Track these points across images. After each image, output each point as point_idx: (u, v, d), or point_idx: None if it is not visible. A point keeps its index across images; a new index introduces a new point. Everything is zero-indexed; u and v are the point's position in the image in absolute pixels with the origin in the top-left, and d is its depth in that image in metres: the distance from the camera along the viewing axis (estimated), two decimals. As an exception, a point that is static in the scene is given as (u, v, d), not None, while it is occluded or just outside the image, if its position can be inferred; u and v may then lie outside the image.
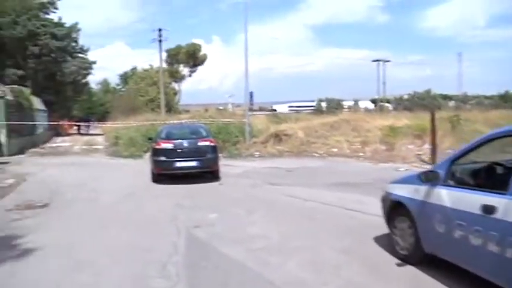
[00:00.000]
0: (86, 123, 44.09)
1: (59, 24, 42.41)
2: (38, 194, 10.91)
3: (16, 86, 28.95)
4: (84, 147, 26.10)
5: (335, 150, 19.22)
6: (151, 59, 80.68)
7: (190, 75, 73.12)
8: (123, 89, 72.93)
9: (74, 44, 44.40)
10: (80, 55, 45.07)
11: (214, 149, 12.48)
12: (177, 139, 12.37)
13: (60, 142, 32.00)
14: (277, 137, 21.15)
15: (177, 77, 70.89)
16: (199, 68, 72.79)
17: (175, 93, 63.92)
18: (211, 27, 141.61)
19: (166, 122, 22.93)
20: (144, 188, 11.64)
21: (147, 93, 51.80)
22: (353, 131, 20.40)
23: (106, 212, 8.72)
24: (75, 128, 47.91)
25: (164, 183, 12.01)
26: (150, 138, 15.23)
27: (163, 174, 12.20)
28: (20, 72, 38.35)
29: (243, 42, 23.20)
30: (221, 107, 51.05)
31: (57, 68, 41.65)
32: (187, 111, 51.07)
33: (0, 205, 9.66)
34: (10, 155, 21.29)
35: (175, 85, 66.96)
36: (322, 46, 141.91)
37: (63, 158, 20.25)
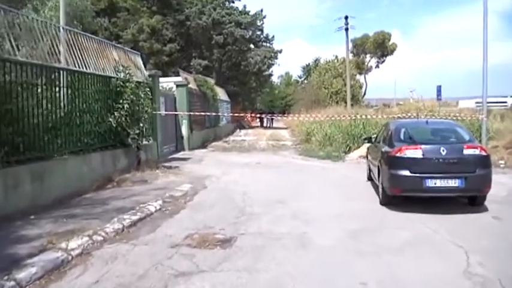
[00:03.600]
0: (270, 116, 42.15)
1: (244, 12, 41.18)
2: (219, 214, 7.59)
3: (200, 75, 27.71)
4: (270, 142, 23.22)
5: None
6: (334, 52, 76.77)
7: (377, 66, 67.49)
8: (305, 82, 71.76)
9: (258, 32, 42.83)
10: (265, 44, 43.30)
11: (486, 161, 7.70)
12: (429, 143, 7.86)
13: (243, 135, 30.09)
14: (528, 140, 15.11)
15: (363, 68, 66.17)
16: (388, 58, 66.67)
17: (360, 86, 59.22)
18: (390, 20, 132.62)
19: (382, 117, 18.31)
20: (374, 217, 7.37)
21: (331, 85, 48.44)
22: None
23: (335, 278, 4.67)
24: (258, 120, 46.66)
25: (398, 209, 7.67)
26: (368, 139, 11.07)
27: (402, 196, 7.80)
28: (205, 62, 38.01)
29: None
30: (401, 102, 46.10)
31: (241, 57, 40.48)
32: (372, 106, 46.34)
33: (165, 234, 6.44)
34: (191, 149, 19.38)
35: (359, 77, 62.25)
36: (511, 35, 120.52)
37: (249, 156, 17.32)
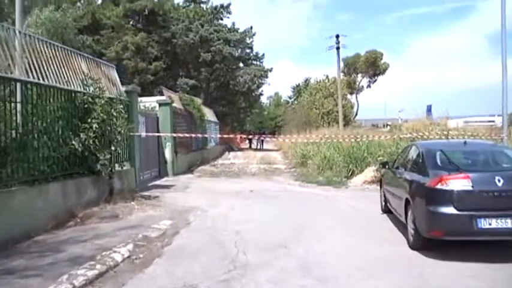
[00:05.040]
0: (260, 137, 40.42)
1: (232, 30, 39.90)
2: (204, 266, 5.84)
3: (186, 94, 26.09)
4: (262, 166, 21.52)
5: None
6: (324, 73, 76.28)
7: (369, 86, 66.71)
8: (295, 102, 71.10)
9: (248, 50, 41.49)
10: (255, 62, 41.91)
11: None
12: (478, 171, 6.23)
13: (232, 158, 28.38)
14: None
15: (355, 88, 65.27)
16: (380, 78, 65.96)
17: (352, 106, 58.10)
18: (377, 41, 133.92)
19: (396, 136, 16.47)
20: (412, 270, 5.61)
21: (322, 105, 47.30)
22: None
23: None
24: (247, 142, 44.98)
25: (437, 256, 6.00)
26: (383, 164, 9.40)
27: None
28: (192, 82, 36.48)
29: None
30: (389, 123, 45.28)
31: (230, 76, 39.02)
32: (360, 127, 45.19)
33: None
34: (176, 174, 17.61)
35: (351, 97, 61.17)
36: (498, 56, 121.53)
37: (240, 182, 15.59)
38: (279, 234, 7.45)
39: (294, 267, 5.70)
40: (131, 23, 35.66)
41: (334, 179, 15.01)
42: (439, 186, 5.87)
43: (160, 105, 17.76)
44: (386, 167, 9.06)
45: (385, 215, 8.98)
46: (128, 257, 6.20)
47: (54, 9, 30.51)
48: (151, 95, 23.21)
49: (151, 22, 35.66)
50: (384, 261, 5.94)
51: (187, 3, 41.07)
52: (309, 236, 7.38)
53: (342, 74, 56.16)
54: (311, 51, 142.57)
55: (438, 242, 6.10)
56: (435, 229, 5.87)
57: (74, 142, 8.67)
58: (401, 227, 7.36)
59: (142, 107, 17.06)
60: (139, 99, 17.60)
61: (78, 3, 35.88)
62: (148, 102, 18.10)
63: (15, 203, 7.08)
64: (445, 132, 13.61)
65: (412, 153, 7.53)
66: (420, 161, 6.84)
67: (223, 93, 40.16)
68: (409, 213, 6.60)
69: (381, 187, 9.69)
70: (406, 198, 6.72)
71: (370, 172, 14.95)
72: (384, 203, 9.17)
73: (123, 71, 31.53)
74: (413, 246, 6.38)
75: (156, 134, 16.36)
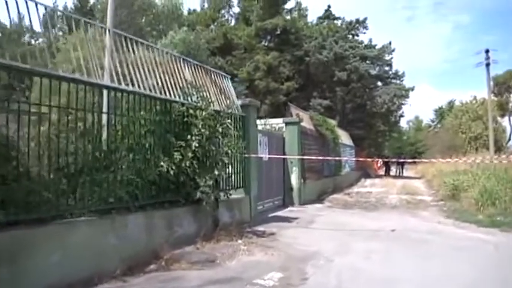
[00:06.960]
0: (401, 161, 36.52)
1: (369, 46, 37.17)
2: None
3: (317, 113, 23.99)
4: (403, 197, 18.37)
5: None
6: (467, 96, 69.47)
7: (524, 107, 58.22)
8: (438, 126, 66.15)
9: (386, 68, 38.28)
10: (394, 81, 38.48)
11: None
12: None
13: (369, 186, 25.42)
14: None
15: (507, 109, 57.54)
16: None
17: (503, 130, 51.19)
18: None
19: None
20: None
21: (469, 129, 42.55)
22: None
23: None
24: (383, 168, 41.33)
25: None
26: None
27: None
28: (326, 102, 34.38)
29: None
30: None
31: (367, 96, 36.21)
32: None
33: None
34: (303, 203, 15.42)
35: (502, 120, 53.98)
36: None
37: (377, 217, 12.80)
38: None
39: None
40: (263, 42, 35.02)
41: (499, 219, 11.52)
42: None
43: (286, 124, 15.83)
44: None
45: None
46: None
47: (188, 31, 31.04)
48: (283, 116, 21.71)
49: (283, 41, 34.62)
50: None
51: (321, 20, 39.41)
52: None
53: (491, 95, 49.80)
54: (451, 74, 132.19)
55: None
56: None
57: (162, 163, 6.96)
58: None
59: (268, 127, 15.42)
60: (266, 120, 15.99)
61: (212, 26, 36.42)
62: (276, 123, 16.39)
63: (77, 238, 5.51)
64: None
65: None
66: None
67: (360, 115, 37.25)
68: None
69: None
70: None
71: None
72: None
73: (255, 90, 30.72)
74: None
75: (278, 157, 14.36)
